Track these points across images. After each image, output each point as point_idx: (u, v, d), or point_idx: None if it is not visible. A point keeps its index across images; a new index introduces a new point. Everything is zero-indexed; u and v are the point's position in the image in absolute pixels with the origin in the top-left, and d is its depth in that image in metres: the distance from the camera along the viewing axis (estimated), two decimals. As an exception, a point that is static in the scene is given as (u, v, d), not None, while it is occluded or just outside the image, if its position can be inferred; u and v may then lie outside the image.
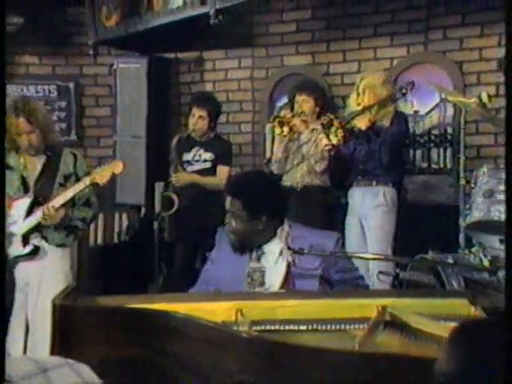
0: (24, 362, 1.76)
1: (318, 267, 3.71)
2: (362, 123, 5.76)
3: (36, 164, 4.83)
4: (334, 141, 5.46)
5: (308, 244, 3.64)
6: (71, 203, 4.75)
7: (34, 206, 4.71)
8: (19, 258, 4.69)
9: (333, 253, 3.80)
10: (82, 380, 1.78)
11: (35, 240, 4.72)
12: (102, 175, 4.70)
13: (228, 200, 3.82)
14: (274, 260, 3.76)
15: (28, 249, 4.70)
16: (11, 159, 4.80)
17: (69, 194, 4.68)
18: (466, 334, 1.75)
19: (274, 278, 3.71)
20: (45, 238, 4.76)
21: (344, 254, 3.83)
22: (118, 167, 4.79)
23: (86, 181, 4.69)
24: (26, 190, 4.78)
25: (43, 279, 4.72)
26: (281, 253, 3.74)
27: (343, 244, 5.39)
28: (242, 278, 3.71)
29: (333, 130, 5.43)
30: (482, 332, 1.73)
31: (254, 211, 3.74)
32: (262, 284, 3.71)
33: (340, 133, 5.41)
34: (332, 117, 5.62)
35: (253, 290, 3.69)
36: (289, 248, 3.62)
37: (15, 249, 4.67)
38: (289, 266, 3.72)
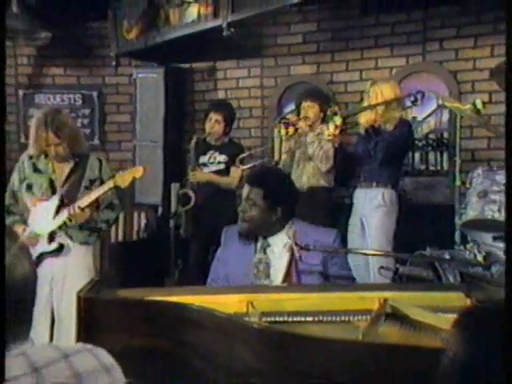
0: (47, 350, 1.77)
1: (319, 263, 3.72)
2: (364, 120, 5.73)
3: (64, 168, 4.84)
4: (332, 129, 5.36)
5: (311, 240, 3.63)
6: (96, 206, 4.77)
7: (60, 207, 4.71)
8: (45, 255, 4.70)
9: (337, 249, 3.81)
10: (100, 363, 1.79)
11: (60, 238, 4.74)
12: (123, 179, 4.71)
13: (247, 189, 3.83)
14: (278, 252, 3.77)
15: (53, 246, 4.72)
16: (40, 163, 4.82)
17: (93, 195, 4.69)
18: (475, 317, 1.74)
19: (277, 270, 3.73)
20: (69, 237, 4.77)
21: (347, 250, 3.82)
22: (138, 172, 4.79)
23: (110, 184, 4.70)
24: (53, 192, 4.79)
25: (67, 274, 4.74)
26: (284, 246, 3.74)
27: (344, 241, 5.45)
28: (249, 274, 3.74)
29: (335, 118, 5.34)
30: (491, 316, 1.73)
31: (273, 201, 3.76)
32: (268, 275, 3.73)
33: (338, 122, 5.32)
34: (337, 109, 5.65)
35: (259, 282, 3.72)
36: (296, 244, 3.61)
37: (41, 246, 4.69)
38: (291, 260, 3.73)
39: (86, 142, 6.03)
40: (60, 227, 4.72)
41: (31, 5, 6.98)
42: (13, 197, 4.86)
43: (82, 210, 4.65)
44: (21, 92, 8.49)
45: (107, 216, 4.90)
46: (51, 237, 4.72)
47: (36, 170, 4.84)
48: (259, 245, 3.81)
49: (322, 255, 3.71)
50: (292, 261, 3.70)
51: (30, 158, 4.86)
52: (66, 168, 4.85)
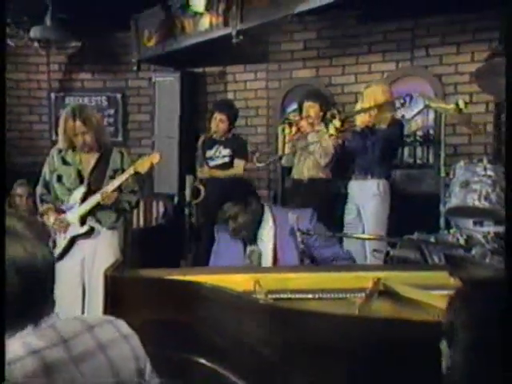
0: (74, 322, 1.79)
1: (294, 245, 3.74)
2: (360, 121, 5.71)
3: (90, 160, 4.86)
4: (332, 131, 5.41)
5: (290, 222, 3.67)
6: (119, 191, 4.80)
7: (88, 194, 4.75)
8: (77, 237, 4.75)
9: (334, 234, 3.81)
10: (119, 333, 1.83)
11: (91, 222, 4.78)
12: (142, 165, 4.77)
13: (222, 208, 3.93)
14: (266, 240, 3.81)
15: (85, 229, 4.76)
16: (68, 156, 4.84)
17: (117, 181, 4.74)
18: (478, 289, 1.74)
19: (266, 256, 3.78)
20: (98, 221, 4.81)
21: (344, 235, 3.82)
22: (155, 158, 4.85)
23: (131, 170, 4.75)
24: (81, 181, 4.81)
25: (97, 254, 4.77)
26: (268, 231, 3.80)
27: (341, 226, 5.46)
28: (241, 263, 3.79)
29: (334, 121, 5.37)
30: (492, 289, 1.72)
31: (246, 202, 3.84)
32: (260, 264, 3.75)
33: (338, 124, 5.36)
34: (335, 111, 5.60)
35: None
36: (298, 230, 3.62)
37: (73, 230, 4.74)
38: (275, 243, 3.77)
39: (111, 138, 6.08)
40: (89, 212, 4.75)
41: (63, 18, 6.98)
42: (45, 187, 4.90)
43: (112, 192, 4.71)
44: (53, 95, 8.53)
45: (129, 198, 4.92)
46: (83, 221, 4.75)
47: (65, 162, 4.86)
48: (250, 239, 3.85)
49: (301, 239, 3.69)
50: (276, 245, 3.77)
51: (59, 151, 4.88)
52: (92, 159, 4.86)
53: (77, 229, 4.76)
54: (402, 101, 5.79)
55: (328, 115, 5.55)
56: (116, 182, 4.74)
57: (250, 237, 3.84)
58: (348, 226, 5.72)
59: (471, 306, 1.62)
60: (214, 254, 4.04)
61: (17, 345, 1.62)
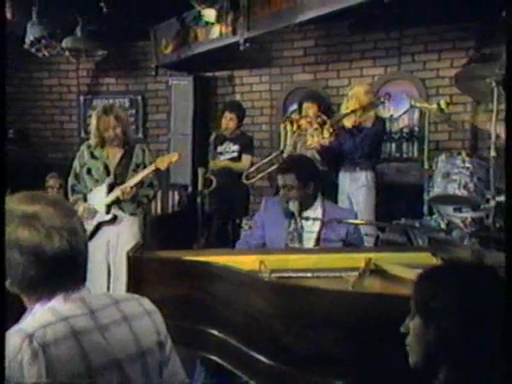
0: (102, 296, 1.79)
1: (344, 235, 3.76)
2: (348, 123, 5.73)
3: (116, 155, 4.88)
4: (326, 135, 5.47)
5: (338, 217, 3.76)
6: (140, 184, 4.81)
7: (114, 186, 4.79)
8: (102, 224, 4.79)
9: (334, 219, 3.79)
10: (143, 308, 1.83)
11: (115, 210, 4.81)
12: (163, 162, 4.77)
13: (281, 178, 3.82)
14: (310, 223, 3.77)
15: (109, 216, 4.80)
16: (96, 151, 4.87)
17: (139, 177, 4.76)
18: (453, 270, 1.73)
19: (309, 238, 3.76)
20: (121, 209, 4.84)
21: (339, 221, 3.80)
22: (174, 157, 4.87)
23: (152, 167, 4.77)
24: (107, 174, 4.84)
25: (120, 238, 4.80)
26: (314, 220, 3.75)
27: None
28: (282, 238, 3.76)
29: (325, 127, 5.49)
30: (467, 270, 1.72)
31: (304, 179, 3.76)
32: (301, 241, 3.75)
33: (330, 129, 5.46)
34: (325, 118, 5.65)
35: (292, 244, 3.75)
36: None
37: (99, 217, 4.78)
38: (320, 230, 3.75)
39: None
40: (114, 201, 4.78)
41: (91, 30, 6.99)
42: (76, 178, 4.94)
43: (131, 188, 4.72)
44: (81, 98, 8.54)
45: (147, 192, 4.94)
46: (108, 209, 4.79)
47: (93, 156, 4.89)
48: (295, 217, 3.78)
49: (345, 231, 3.75)
50: (321, 231, 3.74)
51: (89, 147, 4.91)
52: (118, 154, 4.89)
53: (103, 216, 4.79)
54: (381, 99, 5.80)
55: (320, 121, 5.62)
56: (137, 178, 4.76)
57: (293, 212, 3.77)
58: None
59: (451, 288, 1.61)
60: (256, 224, 3.99)
61: (47, 313, 1.62)
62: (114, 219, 4.81)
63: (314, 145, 5.74)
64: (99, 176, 4.85)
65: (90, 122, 4.95)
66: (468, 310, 1.56)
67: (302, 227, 3.78)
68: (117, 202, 4.79)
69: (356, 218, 3.92)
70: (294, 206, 3.77)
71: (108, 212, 4.80)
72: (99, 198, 4.81)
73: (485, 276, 1.64)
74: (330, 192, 5.71)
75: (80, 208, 4.75)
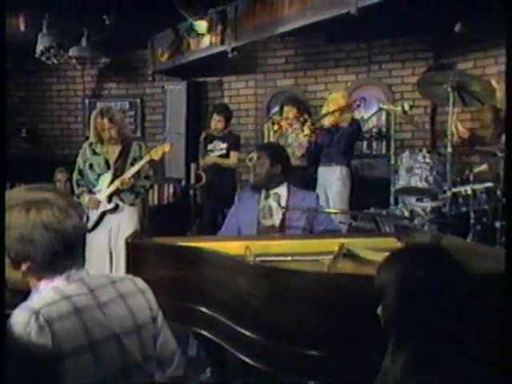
0: (100, 277, 1.79)
1: (302, 220, 3.72)
2: (327, 122, 5.73)
3: (115, 151, 4.84)
4: (307, 132, 5.56)
5: (299, 199, 3.73)
6: (137, 175, 4.78)
7: (114, 178, 4.75)
8: (105, 212, 4.76)
9: (310, 208, 3.79)
10: (137, 287, 1.82)
11: (116, 200, 4.77)
12: (156, 153, 4.76)
13: (256, 154, 3.85)
14: (277, 201, 3.73)
15: (111, 205, 4.76)
16: (97, 148, 4.83)
17: (136, 168, 4.73)
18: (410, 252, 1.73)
19: (277, 213, 3.74)
20: (121, 199, 4.80)
21: (317, 210, 3.79)
22: (167, 147, 4.87)
23: (147, 157, 4.74)
24: (108, 168, 4.80)
25: (121, 226, 4.76)
26: (280, 198, 3.74)
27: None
28: (254, 218, 3.75)
29: (306, 125, 5.56)
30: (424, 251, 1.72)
31: (274, 159, 3.76)
32: (271, 216, 3.74)
33: (311, 126, 5.56)
34: (306, 117, 5.72)
35: (264, 221, 3.75)
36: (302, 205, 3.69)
37: (102, 207, 4.74)
38: (284, 217, 3.73)
39: (132, 134, 6.07)
40: (115, 192, 4.75)
41: (95, 40, 6.96)
42: (80, 174, 4.89)
43: (129, 178, 4.71)
44: (86, 101, 8.50)
45: (144, 183, 4.90)
46: (109, 199, 4.75)
47: (95, 153, 4.84)
48: (263, 195, 3.81)
49: (305, 215, 3.72)
50: (286, 209, 3.72)
51: (90, 145, 4.87)
52: (117, 150, 4.84)
53: (105, 206, 4.75)
54: (357, 103, 5.83)
55: (302, 119, 5.67)
56: (134, 169, 4.73)
57: (263, 192, 3.80)
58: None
59: (410, 268, 1.61)
60: (231, 214, 3.98)
61: (51, 292, 1.62)
62: (116, 208, 4.77)
63: (295, 143, 5.76)
64: (100, 170, 4.81)
65: (90, 123, 4.89)
66: (425, 287, 1.55)
67: (269, 207, 3.78)
68: (117, 193, 4.76)
69: (318, 199, 3.88)
70: (256, 180, 3.82)
71: (110, 202, 4.76)
72: (103, 189, 4.78)
73: (441, 256, 1.64)
74: (310, 185, 5.73)
75: (85, 199, 4.72)
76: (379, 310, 1.65)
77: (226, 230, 4.00)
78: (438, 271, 1.56)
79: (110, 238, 4.79)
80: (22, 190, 1.64)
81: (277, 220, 3.76)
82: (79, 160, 4.91)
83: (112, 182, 4.75)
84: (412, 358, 1.50)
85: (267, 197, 3.79)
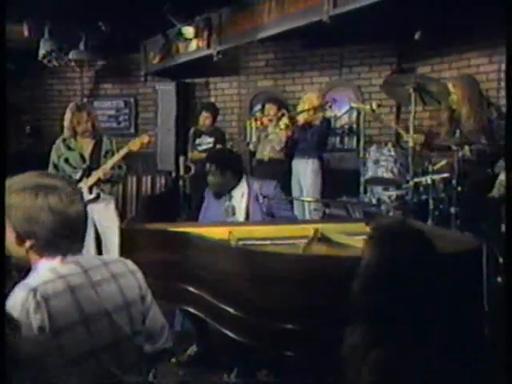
0: (93, 259, 1.80)
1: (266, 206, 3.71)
2: (301, 119, 5.74)
3: (88, 145, 4.75)
4: (282, 126, 5.56)
5: (257, 188, 3.69)
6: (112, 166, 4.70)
7: (90, 170, 4.66)
8: (88, 202, 4.59)
9: (287, 198, 3.80)
10: (128, 268, 1.81)
11: (96, 190, 4.66)
12: (134, 144, 4.65)
13: (208, 166, 3.82)
14: (239, 200, 3.75)
15: (93, 195, 4.65)
16: (71, 143, 4.73)
17: (115, 158, 4.65)
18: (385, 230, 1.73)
19: (240, 211, 3.74)
20: (101, 190, 4.71)
21: (293, 198, 3.80)
22: (145, 139, 4.73)
23: (125, 149, 4.65)
24: (83, 161, 4.71)
25: (102, 214, 4.72)
26: (242, 195, 3.74)
27: (290, 193, 5.45)
28: (221, 214, 3.75)
29: (283, 119, 5.55)
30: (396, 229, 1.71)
31: (223, 167, 3.74)
32: (234, 214, 3.75)
33: (287, 121, 5.54)
34: (283, 111, 5.73)
35: (228, 219, 3.74)
36: (261, 195, 3.65)
37: (86, 196, 4.53)
38: (247, 203, 3.73)
39: (126, 131, 5.99)
40: (94, 183, 4.64)
41: (92, 44, 6.91)
42: (55, 168, 4.74)
43: (110, 168, 4.63)
44: (85, 100, 8.33)
45: (119, 172, 4.80)
46: (90, 189, 4.63)
47: (69, 148, 4.73)
48: (226, 197, 3.80)
49: (268, 202, 3.70)
50: (249, 203, 3.72)
51: (64, 140, 4.75)
52: (90, 145, 4.75)
53: (87, 196, 4.60)
54: (329, 104, 5.86)
55: (278, 115, 5.70)
56: (114, 159, 4.64)
57: (224, 196, 3.79)
58: (294, 194, 5.71)
59: (380, 246, 1.61)
60: (204, 209, 3.99)
61: (48, 272, 1.62)
62: (98, 197, 4.67)
63: (276, 138, 5.77)
64: (76, 163, 4.69)
65: (65, 118, 4.76)
66: (401, 264, 1.54)
67: (232, 206, 3.77)
68: (97, 184, 4.66)
69: (276, 187, 3.84)
70: (215, 194, 3.84)
71: (91, 192, 4.64)
72: (81, 181, 4.66)
73: (417, 236, 1.64)
74: (285, 176, 5.73)
75: None
76: (355, 285, 1.63)
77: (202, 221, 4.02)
78: (413, 248, 1.56)
79: (96, 226, 4.70)
80: (34, 175, 1.64)
81: (240, 217, 3.76)
82: (53, 156, 4.76)
83: (89, 173, 4.65)
84: (381, 329, 1.49)
85: (230, 198, 3.78)
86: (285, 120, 5.52)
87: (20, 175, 1.66)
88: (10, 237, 1.60)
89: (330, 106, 5.86)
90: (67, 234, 1.63)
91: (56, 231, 1.60)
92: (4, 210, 1.36)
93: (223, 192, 3.80)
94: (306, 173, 5.70)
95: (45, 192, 1.58)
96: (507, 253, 1.78)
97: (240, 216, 3.74)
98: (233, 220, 3.73)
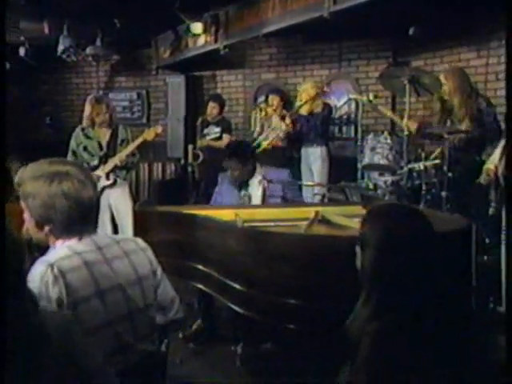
0: (106, 237, 1.80)
1: (280, 192, 3.68)
2: (304, 111, 5.71)
3: (106, 134, 4.72)
4: (288, 121, 5.58)
5: (274, 177, 3.65)
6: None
7: (107, 157, 4.65)
8: (106, 187, 4.64)
9: (291, 181, 3.77)
10: (138, 246, 1.81)
11: (113, 176, 4.66)
12: (149, 134, 4.65)
13: (227, 161, 3.72)
14: (255, 188, 3.71)
15: (110, 181, 4.65)
16: (90, 133, 4.70)
17: (131, 147, 4.64)
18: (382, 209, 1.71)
19: (256, 198, 3.70)
20: (117, 176, 4.70)
21: (298, 183, 3.77)
22: (158, 129, 4.74)
23: (141, 138, 4.64)
24: (100, 149, 4.68)
25: (118, 198, 4.71)
26: (259, 183, 3.69)
27: (299, 178, 5.44)
28: (235, 201, 3.71)
29: (286, 119, 5.62)
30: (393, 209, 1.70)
31: (244, 161, 3.66)
32: (250, 202, 3.72)
33: (289, 120, 5.59)
34: (285, 112, 5.76)
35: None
36: (264, 178, 3.62)
37: (102, 183, 4.59)
38: (264, 190, 3.69)
39: (138, 121, 5.96)
40: (112, 170, 4.64)
41: (108, 40, 6.88)
42: (74, 155, 4.70)
43: (126, 156, 4.63)
44: (101, 92, 8.34)
45: (133, 159, 4.78)
46: (108, 176, 4.64)
47: (88, 137, 4.70)
48: (244, 186, 3.74)
49: (282, 187, 3.67)
50: (265, 191, 3.68)
51: (83, 129, 4.72)
52: (107, 134, 4.72)
53: (105, 181, 4.62)
54: (325, 89, 5.87)
55: (280, 115, 5.76)
56: (130, 148, 4.63)
57: (242, 185, 3.72)
58: (303, 178, 5.69)
59: (375, 223, 1.59)
60: (217, 194, 3.90)
61: (65, 249, 1.62)
62: (115, 183, 4.66)
63: (278, 127, 5.75)
64: (94, 151, 4.67)
65: (84, 109, 4.74)
66: (402, 239, 1.53)
67: (249, 195, 3.72)
68: (113, 170, 4.65)
69: (290, 175, 3.83)
70: (236, 184, 3.75)
71: (108, 178, 4.64)
72: (98, 167, 4.65)
73: (416, 213, 1.62)
74: (294, 163, 5.71)
75: None
76: (357, 260, 1.62)
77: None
78: (414, 226, 1.54)
79: (110, 209, 4.69)
80: (47, 163, 1.63)
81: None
82: (72, 143, 4.73)
83: (106, 160, 4.64)
84: (381, 303, 1.49)
85: (246, 187, 3.73)
86: (287, 121, 5.57)
87: (32, 164, 1.64)
88: (30, 222, 1.60)
89: (326, 91, 5.88)
90: (81, 218, 1.62)
91: (70, 215, 1.59)
92: (4, 210, 1.35)
93: (243, 181, 3.74)
94: (315, 160, 5.70)
95: (58, 179, 1.57)
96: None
97: (256, 203, 3.73)
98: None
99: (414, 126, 4.74)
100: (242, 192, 3.72)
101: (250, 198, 3.72)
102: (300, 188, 3.95)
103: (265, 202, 3.68)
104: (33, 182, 1.56)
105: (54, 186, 1.55)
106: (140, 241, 1.83)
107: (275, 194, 3.68)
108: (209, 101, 6.49)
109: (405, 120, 4.40)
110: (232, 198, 3.74)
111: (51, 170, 1.59)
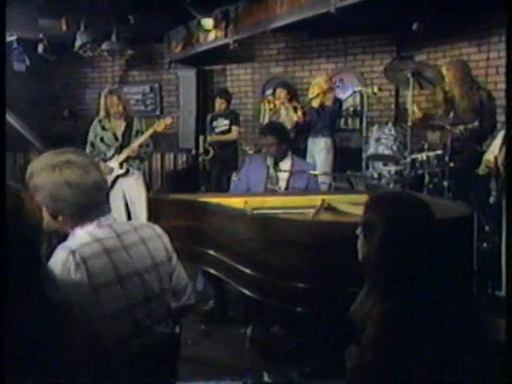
0: (124, 224, 1.78)
1: (304, 182, 3.69)
2: (315, 103, 5.66)
3: (121, 125, 4.72)
4: (295, 118, 5.55)
5: (301, 167, 3.70)
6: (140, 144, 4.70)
7: (122, 148, 4.65)
8: (119, 176, 4.66)
9: (298, 171, 3.75)
10: (155, 232, 1.79)
11: (125, 166, 4.67)
12: (159, 125, 4.65)
13: (263, 138, 3.73)
14: (283, 174, 3.71)
15: (123, 170, 4.66)
16: (106, 124, 4.71)
17: (143, 138, 4.64)
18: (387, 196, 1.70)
19: (282, 181, 3.70)
20: (130, 165, 4.70)
21: (305, 172, 3.75)
22: (168, 120, 4.73)
23: (151, 130, 4.64)
24: (116, 140, 4.69)
25: (132, 187, 4.71)
26: (287, 168, 3.70)
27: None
28: (262, 183, 3.72)
29: (298, 110, 5.57)
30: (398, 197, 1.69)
31: (281, 139, 3.68)
32: (277, 183, 3.72)
33: (300, 111, 5.54)
34: (296, 104, 5.69)
35: (271, 187, 3.70)
36: (292, 166, 3.69)
37: (115, 172, 4.62)
38: (289, 179, 3.69)
39: (152, 113, 5.95)
40: (125, 160, 4.64)
41: (123, 36, 6.85)
42: (92, 146, 4.73)
43: (139, 146, 4.63)
44: (115, 85, 8.33)
45: (146, 150, 4.78)
46: (121, 165, 4.65)
47: (104, 128, 4.71)
48: (272, 166, 3.74)
49: (307, 178, 3.68)
50: (290, 179, 3.69)
51: (100, 121, 4.73)
52: (123, 125, 4.72)
53: (118, 171, 4.64)
54: (336, 84, 5.94)
55: (294, 105, 5.68)
56: (142, 138, 4.63)
57: (274, 165, 3.72)
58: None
59: (380, 211, 1.58)
60: (241, 175, 3.91)
61: (85, 235, 1.61)
62: (127, 172, 4.67)
63: (286, 118, 5.72)
64: (110, 142, 4.68)
65: (100, 102, 4.77)
66: (405, 227, 1.51)
67: (277, 176, 3.73)
68: (126, 160, 4.66)
69: (315, 169, 3.86)
70: (270, 161, 3.74)
71: (121, 167, 4.66)
72: (113, 157, 4.67)
73: (418, 201, 1.60)
74: (300, 152, 5.70)
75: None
76: (360, 247, 1.60)
77: (238, 184, 3.99)
78: (418, 213, 1.53)
79: (124, 197, 4.69)
80: (48, 155, 1.59)
81: (282, 187, 3.73)
82: (90, 135, 4.76)
83: (121, 151, 4.65)
84: (385, 288, 1.48)
85: (276, 169, 3.71)
86: (298, 113, 5.53)
87: (39, 156, 1.61)
88: (46, 214, 1.58)
89: (338, 86, 5.92)
90: (91, 202, 1.59)
91: (78, 202, 1.56)
92: (4, 209, 1.36)
93: (279, 161, 3.72)
94: (319, 150, 5.65)
95: (59, 168, 1.53)
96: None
97: (282, 186, 3.72)
98: (275, 189, 3.70)
99: (419, 115, 4.72)
100: (271, 172, 3.71)
101: (277, 178, 3.70)
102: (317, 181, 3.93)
103: (288, 188, 3.67)
104: (39, 174, 1.54)
105: (57, 176, 1.52)
106: (157, 227, 1.82)
107: (299, 185, 3.68)
108: (216, 96, 6.46)
109: (409, 111, 4.39)
110: (260, 177, 3.72)
111: (53, 160, 1.55)
